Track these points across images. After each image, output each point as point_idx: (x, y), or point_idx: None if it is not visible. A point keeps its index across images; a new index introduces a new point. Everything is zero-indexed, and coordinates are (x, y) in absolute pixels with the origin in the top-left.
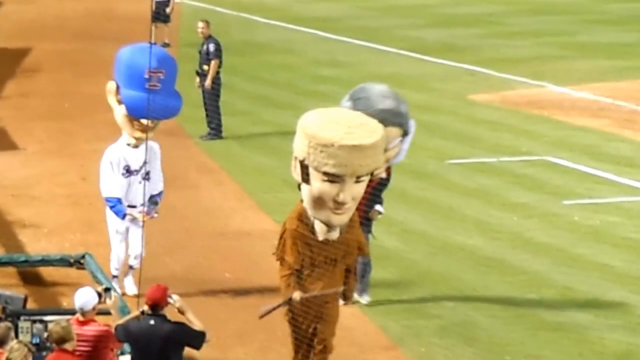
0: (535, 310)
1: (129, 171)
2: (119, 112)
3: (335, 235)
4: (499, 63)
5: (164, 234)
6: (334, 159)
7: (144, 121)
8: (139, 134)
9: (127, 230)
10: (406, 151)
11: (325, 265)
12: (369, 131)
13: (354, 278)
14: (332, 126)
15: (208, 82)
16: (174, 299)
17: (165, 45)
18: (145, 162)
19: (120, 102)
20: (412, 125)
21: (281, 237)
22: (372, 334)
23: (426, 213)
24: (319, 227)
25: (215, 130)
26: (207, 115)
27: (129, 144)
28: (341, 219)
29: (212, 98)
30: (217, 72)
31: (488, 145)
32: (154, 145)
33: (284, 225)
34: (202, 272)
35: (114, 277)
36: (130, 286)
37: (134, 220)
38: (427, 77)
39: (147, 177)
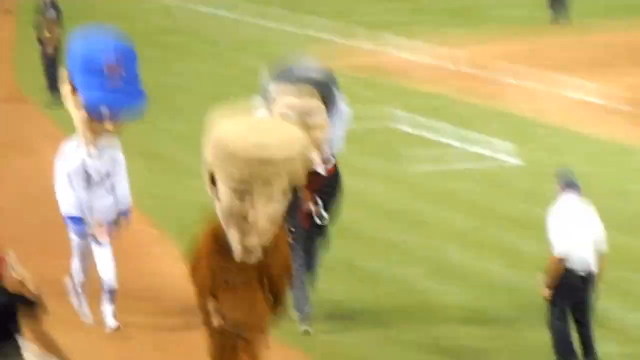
0: (377, 274)
1: (89, 182)
2: (79, 117)
3: (255, 257)
4: (341, 27)
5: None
6: (240, 171)
7: (107, 125)
8: (101, 140)
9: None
10: (343, 140)
11: (244, 291)
12: (286, 142)
13: (280, 303)
14: (243, 135)
15: (49, 48)
16: (14, 267)
17: (8, 12)
18: (107, 173)
19: (80, 108)
20: (345, 110)
21: (193, 256)
22: None
23: None
24: (236, 248)
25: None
26: (48, 81)
27: (90, 153)
28: (255, 240)
29: (52, 64)
30: (58, 38)
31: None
32: (117, 153)
33: (196, 242)
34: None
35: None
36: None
37: (93, 238)
38: (269, 44)
39: (110, 189)
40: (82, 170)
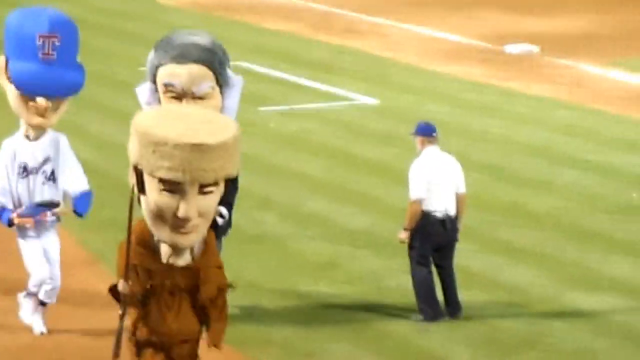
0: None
1: (26, 170)
2: (12, 93)
3: (184, 260)
4: None
5: None
6: (169, 161)
7: (40, 101)
8: (37, 120)
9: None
10: (235, 111)
11: (171, 297)
12: (218, 129)
13: (218, 317)
14: (169, 122)
15: None
16: None
17: None
18: (46, 159)
19: (11, 80)
20: (239, 80)
21: (118, 262)
22: (72, 249)
23: (120, 122)
24: (164, 249)
25: None
26: None
27: (27, 136)
28: (187, 239)
29: None
30: None
31: (241, 49)
32: (58, 136)
33: (120, 245)
34: None
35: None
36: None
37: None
38: None
39: (51, 177)
40: (18, 153)
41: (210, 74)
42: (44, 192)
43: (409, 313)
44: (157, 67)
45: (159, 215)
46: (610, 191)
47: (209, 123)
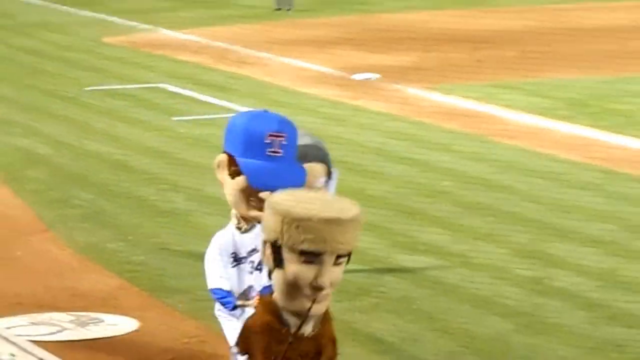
0: (152, 199)
1: (236, 259)
2: (233, 187)
3: (309, 329)
4: (125, 13)
5: None
6: (312, 234)
7: (263, 195)
8: (254, 213)
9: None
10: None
11: None
12: (345, 207)
13: None
14: (304, 203)
15: None
16: None
17: None
18: (253, 250)
19: (234, 175)
20: (336, 173)
21: (245, 331)
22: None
23: (69, 127)
24: (292, 321)
25: None
26: None
27: (239, 228)
28: (319, 307)
29: None
30: None
31: (118, 75)
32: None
33: (247, 320)
34: None
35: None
36: None
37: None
38: (69, 24)
39: (258, 266)
40: (231, 245)
41: (324, 170)
42: (250, 281)
43: None
44: None
45: (297, 286)
46: (428, 181)
47: (336, 202)
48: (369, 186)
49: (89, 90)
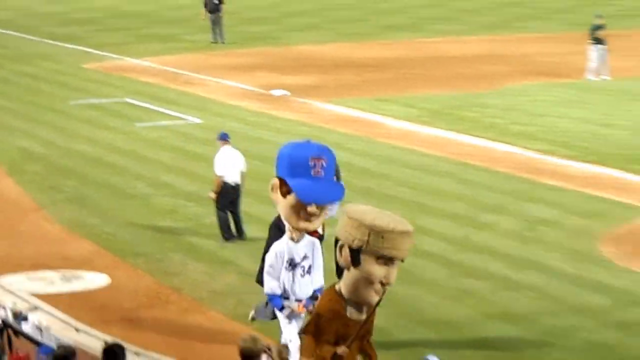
0: (121, 186)
1: (291, 264)
2: (285, 204)
3: (363, 316)
4: (99, 46)
5: None
6: (391, 243)
7: (311, 208)
8: (304, 224)
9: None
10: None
11: (353, 343)
12: (403, 220)
13: (374, 353)
14: (380, 217)
15: None
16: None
17: None
18: (305, 257)
19: (285, 194)
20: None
21: (316, 317)
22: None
23: (58, 132)
24: (352, 310)
25: None
26: None
27: (292, 238)
28: (377, 299)
29: None
30: None
31: (94, 92)
32: (314, 240)
33: (318, 308)
34: None
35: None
36: None
37: (292, 312)
38: (58, 54)
39: (308, 270)
40: (287, 252)
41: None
42: (301, 283)
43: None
44: None
45: (369, 282)
46: None
47: (395, 216)
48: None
49: (73, 104)
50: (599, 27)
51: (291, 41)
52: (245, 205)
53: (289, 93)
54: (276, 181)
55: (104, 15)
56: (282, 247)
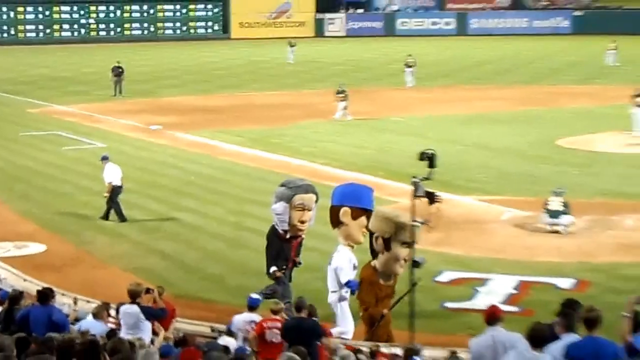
0: (53, 188)
1: (355, 267)
2: (357, 225)
3: (390, 282)
4: (38, 97)
5: None
6: (410, 232)
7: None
8: (362, 238)
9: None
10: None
11: (385, 301)
12: (416, 217)
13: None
14: (398, 215)
15: None
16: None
17: None
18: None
19: (356, 218)
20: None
21: (362, 282)
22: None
23: (11, 153)
24: (384, 277)
25: None
26: None
27: (351, 246)
28: (402, 271)
29: None
30: None
31: (35, 127)
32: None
33: (361, 276)
34: None
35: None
36: None
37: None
38: (11, 103)
39: (354, 269)
40: (353, 258)
41: (315, 198)
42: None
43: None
44: (293, 195)
45: (397, 260)
46: (185, 176)
47: (407, 214)
48: (157, 179)
49: (21, 135)
50: (342, 92)
51: (163, 94)
52: (129, 199)
53: (161, 127)
54: (346, 209)
55: (41, 78)
56: (349, 255)
